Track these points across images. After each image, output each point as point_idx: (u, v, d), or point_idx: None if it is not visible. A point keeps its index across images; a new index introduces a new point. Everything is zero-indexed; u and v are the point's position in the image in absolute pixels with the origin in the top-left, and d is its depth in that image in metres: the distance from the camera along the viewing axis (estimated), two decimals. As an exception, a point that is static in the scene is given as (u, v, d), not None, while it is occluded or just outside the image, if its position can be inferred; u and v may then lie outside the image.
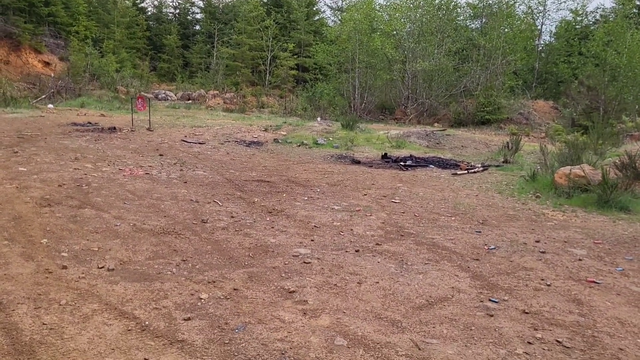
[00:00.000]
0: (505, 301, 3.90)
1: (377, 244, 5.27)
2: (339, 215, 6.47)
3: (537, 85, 29.03)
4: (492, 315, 3.62)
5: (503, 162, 12.06)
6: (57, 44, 30.66)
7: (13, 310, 3.32)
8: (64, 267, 4.12)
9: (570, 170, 8.34)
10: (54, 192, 6.56)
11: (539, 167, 9.89)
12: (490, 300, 3.91)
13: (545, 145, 10.98)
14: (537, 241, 5.61)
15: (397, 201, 7.51)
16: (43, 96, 23.09)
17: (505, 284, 4.28)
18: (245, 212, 6.40)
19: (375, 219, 6.38)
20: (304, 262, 4.58)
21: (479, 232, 5.94)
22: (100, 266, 4.20)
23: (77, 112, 19.52)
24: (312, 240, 5.30)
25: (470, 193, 8.47)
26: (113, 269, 4.16)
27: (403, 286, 4.11)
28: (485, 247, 5.34)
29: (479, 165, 11.55)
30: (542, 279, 4.41)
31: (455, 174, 10.36)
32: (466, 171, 10.63)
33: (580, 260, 5.00)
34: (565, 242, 5.66)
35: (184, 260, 4.48)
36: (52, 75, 26.93)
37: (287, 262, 4.57)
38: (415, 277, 4.34)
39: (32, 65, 27.92)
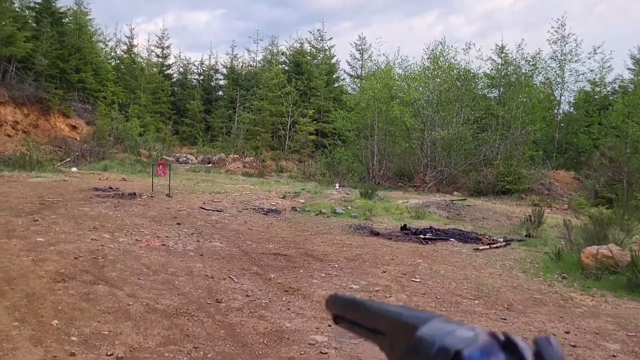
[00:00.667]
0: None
1: (398, 332, 5.03)
2: (357, 295, 6.25)
3: (557, 155, 28.91)
4: None
5: (526, 236, 11.78)
6: (85, 108, 31.65)
7: (14, 406, 3.15)
8: (72, 354, 3.96)
9: (598, 250, 8.06)
10: (70, 266, 6.48)
11: (563, 243, 9.60)
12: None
13: (569, 220, 10.72)
14: (567, 332, 5.31)
15: (417, 280, 7.27)
16: (68, 159, 23.59)
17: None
18: (260, 290, 6.23)
19: (395, 300, 6.15)
20: (321, 352, 4.36)
21: (505, 319, 5.67)
22: (109, 353, 4.03)
23: (99, 176, 19.81)
24: (329, 326, 5.08)
25: (493, 272, 8.19)
26: (122, 357, 3.99)
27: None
28: (512, 337, 5.06)
29: (501, 239, 11.29)
30: (576, 379, 4.13)
31: (477, 249, 10.10)
32: (488, 246, 10.37)
33: (614, 357, 4.70)
34: (596, 333, 5.35)
35: (196, 348, 4.29)
36: (78, 138, 27.62)
37: (302, 352, 4.36)
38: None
39: (59, 129, 28.73)
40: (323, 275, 7.24)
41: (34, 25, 31.19)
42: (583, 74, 28.96)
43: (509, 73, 28.71)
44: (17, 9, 31.34)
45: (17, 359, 3.81)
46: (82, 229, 9.02)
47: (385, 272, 7.72)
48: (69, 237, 8.19)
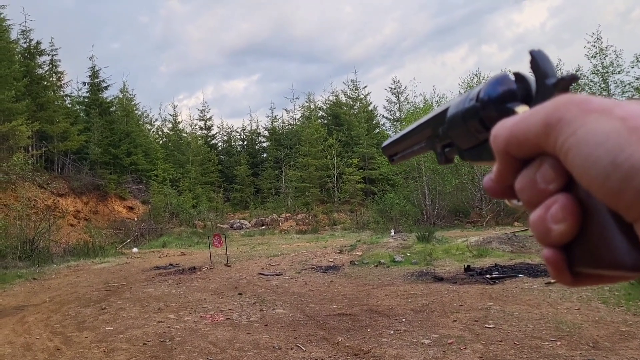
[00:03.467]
0: None
1: (479, 388, 4.76)
2: (431, 351, 6.00)
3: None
4: None
5: (599, 261, 11.13)
6: (139, 188, 32.89)
7: None
8: None
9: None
10: (139, 353, 6.53)
11: (641, 266, 9.01)
12: None
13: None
14: (665, 368, 4.90)
15: (491, 326, 6.93)
16: (128, 240, 24.35)
17: None
18: (330, 356, 6.07)
19: (472, 352, 5.86)
20: (402, 421, 4.15)
21: None
22: None
23: (159, 254, 20.28)
24: (406, 389, 4.87)
25: (571, 306, 7.74)
26: None
27: None
28: (605, 380, 4.70)
29: (573, 268, 10.71)
30: None
31: (549, 282, 9.59)
32: (560, 278, 9.84)
33: None
34: (699, 365, 4.91)
35: None
36: (136, 218, 28.59)
37: (382, 423, 4.16)
38: None
39: (117, 212, 29.85)
40: (392, 332, 7.01)
41: (85, 117, 33.07)
42: (629, 84, 27.99)
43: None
44: (68, 105, 33.39)
45: None
46: (148, 311, 9.15)
47: (455, 320, 7.42)
48: (136, 322, 8.31)
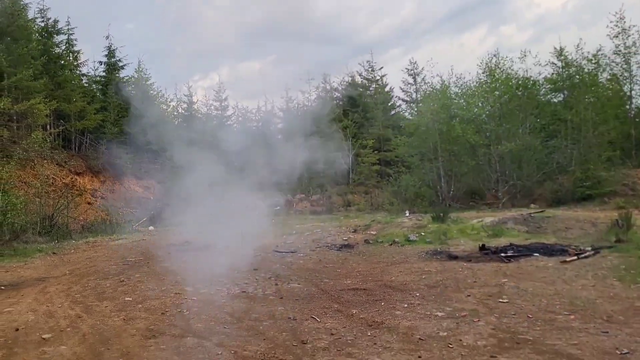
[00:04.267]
0: None
1: (492, 357, 4.81)
2: (444, 323, 6.06)
3: (637, 153, 27.22)
4: None
5: (616, 241, 11.07)
6: (155, 168, 33.12)
7: None
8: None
9: (699, 247, 7.45)
10: (158, 322, 6.68)
11: (659, 245, 8.96)
12: None
13: (661, 219, 10.01)
14: (680, 340, 4.90)
15: (505, 300, 6.97)
16: (144, 219, 24.63)
17: (654, 401, 3.69)
18: (344, 327, 6.16)
19: (485, 324, 5.90)
20: (414, 386, 4.22)
21: (606, 332, 5.30)
22: (204, 405, 4.08)
23: (175, 231, 20.50)
24: (419, 357, 4.94)
25: (586, 283, 7.73)
26: (217, 408, 4.02)
27: (531, 411, 3.64)
28: (617, 351, 4.72)
29: (589, 248, 10.66)
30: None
31: (565, 261, 9.58)
32: (576, 257, 9.82)
33: None
34: None
35: (288, 392, 4.27)
36: (152, 197, 28.86)
37: (396, 387, 4.24)
38: (544, 398, 3.85)
39: (133, 191, 30.16)
40: (405, 305, 7.08)
41: (101, 97, 33.28)
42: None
43: (571, 75, 27.58)
44: (85, 84, 33.62)
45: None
46: (165, 284, 9.32)
47: (469, 295, 7.46)
48: (154, 294, 8.47)
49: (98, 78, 35.41)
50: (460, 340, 5.39)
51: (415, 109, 38.76)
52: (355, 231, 16.59)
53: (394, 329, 5.94)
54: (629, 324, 5.57)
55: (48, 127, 27.59)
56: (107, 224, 21.10)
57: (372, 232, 15.88)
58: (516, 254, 10.74)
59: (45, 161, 23.39)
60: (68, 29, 31.96)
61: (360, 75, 45.88)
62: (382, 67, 52.28)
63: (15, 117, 24.19)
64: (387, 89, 44.72)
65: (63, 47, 32.01)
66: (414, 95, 44.06)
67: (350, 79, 46.10)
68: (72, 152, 29.44)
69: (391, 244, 13.58)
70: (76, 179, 26.47)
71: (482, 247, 11.77)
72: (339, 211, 29.61)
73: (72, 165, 27.25)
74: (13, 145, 22.24)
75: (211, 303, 7.72)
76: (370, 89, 44.82)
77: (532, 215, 15.81)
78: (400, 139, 31.67)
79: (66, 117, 29.40)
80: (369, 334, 5.83)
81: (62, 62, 31.21)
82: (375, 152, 38.11)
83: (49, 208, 19.38)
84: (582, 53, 26.53)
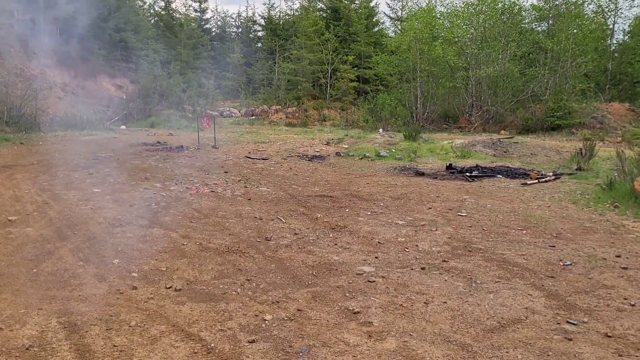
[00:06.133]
0: (585, 323, 3.64)
1: (444, 261, 5.09)
2: (403, 230, 6.33)
3: (611, 87, 27.54)
4: (570, 339, 3.38)
5: (577, 169, 11.46)
6: (129, 67, 32.15)
7: (86, 331, 3.41)
8: (134, 288, 4.21)
9: (652, 177, 7.79)
10: (126, 212, 6.79)
11: (616, 175, 9.32)
12: (568, 322, 3.66)
13: (622, 151, 10.32)
14: (618, 256, 5.24)
15: (463, 214, 7.26)
16: (116, 117, 24.25)
17: (584, 304, 4.01)
18: (308, 228, 6.38)
19: (442, 233, 6.19)
20: (368, 281, 4.48)
21: (553, 246, 5.63)
22: (168, 286, 4.27)
23: (147, 132, 20.34)
24: (376, 258, 5.19)
25: (542, 204, 8.08)
26: (180, 289, 4.21)
27: (473, 307, 3.93)
28: (561, 263, 5.04)
29: (551, 173, 11.04)
30: (625, 298, 4.10)
31: (525, 183, 9.93)
32: (537, 180, 10.17)
33: (668, 277, 4.63)
34: (649, 256, 5.26)
35: (248, 280, 4.49)
36: (124, 97, 28.24)
37: (351, 281, 4.49)
38: (486, 296, 4.14)
39: (106, 89, 29.39)
40: (369, 213, 7.32)
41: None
42: (639, -1, 27.10)
43: (558, 4, 27.21)
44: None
45: (84, 292, 4.09)
46: (135, 179, 9.38)
47: (431, 208, 7.74)
48: (123, 188, 8.55)
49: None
50: (417, 245, 5.66)
51: (399, 27, 37.96)
52: (327, 144, 16.71)
53: (355, 233, 6.19)
54: (575, 240, 5.90)
55: (16, 13, 26.21)
56: (77, 119, 20.70)
57: (344, 146, 16.03)
58: (480, 175, 11.07)
59: (12, 49, 22.43)
60: None
61: (346, -14, 44.25)
62: (369, -20, 50.39)
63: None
64: (372, 3, 43.40)
65: None
66: (399, 13, 42.98)
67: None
68: (42, 42, 28.20)
69: (362, 158, 13.78)
70: (46, 71, 25.58)
71: (449, 167, 12.06)
72: (314, 125, 29.58)
73: (41, 56, 26.21)
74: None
75: (180, 200, 7.85)
76: (356, 2, 43.42)
77: (501, 140, 16.13)
78: (381, 56, 31.25)
79: (35, 3, 27.91)
80: (331, 235, 6.06)
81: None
82: (355, 68, 37.59)
83: (17, 99, 18.85)
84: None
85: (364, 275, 4.65)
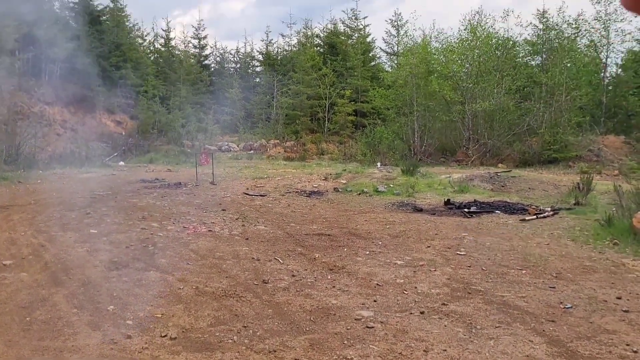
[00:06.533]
0: (588, 372, 3.58)
1: (444, 304, 5.03)
2: (402, 271, 6.28)
3: (606, 120, 27.80)
4: (574, 390, 3.31)
5: (575, 204, 11.46)
6: (128, 103, 32.43)
7: (78, 385, 3.34)
8: (129, 337, 4.15)
9: (651, 214, 7.79)
10: (122, 254, 6.74)
11: (614, 209, 9.31)
12: (570, 370, 3.59)
13: (620, 185, 10.34)
14: (619, 298, 5.19)
15: (462, 253, 7.22)
16: (115, 154, 24.34)
17: (586, 350, 3.94)
18: (306, 269, 6.32)
19: (441, 274, 6.14)
20: (367, 327, 4.41)
21: (553, 287, 5.58)
22: (163, 335, 4.20)
23: (145, 169, 20.38)
24: (374, 301, 5.13)
25: (541, 241, 8.04)
26: (175, 338, 4.15)
27: (473, 354, 3.86)
28: (561, 305, 4.98)
29: (549, 209, 11.02)
30: (628, 344, 4.04)
31: (524, 219, 9.91)
32: (535, 216, 10.15)
33: (670, 320, 4.57)
34: (651, 298, 5.21)
35: (245, 327, 4.42)
36: (123, 133, 28.42)
37: (349, 327, 4.42)
38: (486, 343, 4.08)
39: (105, 125, 29.60)
40: (367, 252, 7.28)
41: (74, 25, 31.99)
42: (630, 33, 27.57)
43: (551, 38, 27.66)
44: (57, 10, 32.24)
45: (78, 342, 4.02)
46: (132, 219, 9.34)
47: (429, 246, 7.70)
48: (120, 228, 8.51)
49: (71, 4, 33.94)
50: (416, 287, 5.61)
51: (395, 62, 38.49)
52: (326, 179, 16.73)
53: (353, 274, 6.13)
54: (575, 281, 5.85)
55: (17, 52, 26.58)
56: (76, 156, 20.76)
57: (342, 181, 16.05)
58: (479, 210, 11.05)
59: (12, 87, 22.66)
60: (39, -50, 30.30)
61: (343, 23, 45.06)
62: (366, 17, 51.52)
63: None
64: (369, 39, 44.12)
65: (33, -30, 30.43)
66: (395, 48, 43.62)
67: (332, 26, 45.28)
68: (42, 80, 28.52)
69: (360, 194, 13.77)
70: (45, 109, 25.80)
71: (447, 202, 12.05)
72: (312, 159, 29.68)
73: (41, 94, 26.48)
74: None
75: (177, 240, 7.81)
76: (353, 38, 44.13)
77: (499, 174, 16.17)
78: (377, 91, 31.60)
79: (36, 43, 28.30)
80: (329, 277, 6.01)
81: (32, -15, 29.75)
82: (352, 102, 37.94)
83: (16, 136, 18.94)
84: (564, 17, 26.57)
85: (362, 320, 4.59)
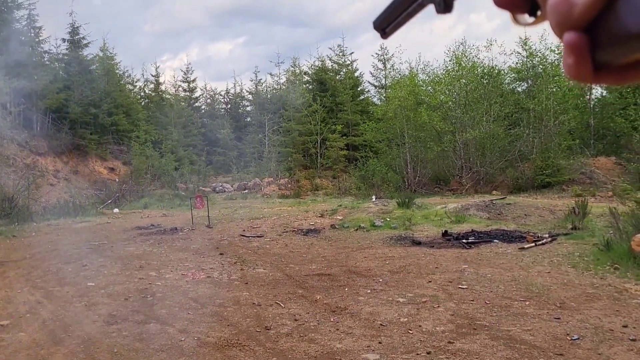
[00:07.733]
0: (601, 407, 3.52)
1: (450, 342, 4.97)
2: (405, 309, 6.22)
3: (595, 142, 28.10)
4: None
5: (572, 229, 11.47)
6: (120, 149, 32.56)
7: None
8: (131, 396, 4.06)
9: (648, 236, 7.80)
10: (121, 307, 6.65)
11: (612, 233, 9.32)
12: (583, 407, 3.54)
13: (615, 208, 10.37)
14: (625, 326, 5.15)
15: (464, 286, 7.17)
16: (109, 201, 24.26)
17: (598, 384, 3.89)
18: (308, 312, 6.25)
19: (444, 310, 6.08)
20: (374, 371, 4.35)
21: (558, 318, 5.54)
22: (166, 391, 4.12)
23: (140, 215, 20.29)
24: (379, 343, 5.07)
25: (541, 270, 8.01)
26: (179, 394, 4.06)
27: (483, 395, 3.80)
28: (568, 337, 4.94)
29: (547, 235, 11.02)
30: (639, 375, 3.99)
31: (523, 247, 9.89)
32: (534, 244, 10.14)
33: (678, 347, 4.53)
34: (657, 324, 5.18)
35: (250, 378, 4.34)
36: (117, 179, 28.40)
37: (356, 372, 4.35)
38: (496, 382, 4.02)
39: (98, 172, 29.61)
40: (369, 291, 7.22)
41: (64, 75, 32.33)
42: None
43: (535, 64, 28.16)
44: (47, 62, 32.61)
45: (81, 405, 3.93)
46: (129, 269, 9.25)
47: (430, 281, 7.65)
48: (118, 279, 8.42)
49: (61, 56, 34.35)
50: (420, 326, 5.55)
51: (384, 95, 38.98)
52: (322, 216, 16.70)
53: (356, 315, 6.07)
54: (580, 310, 5.82)
55: (8, 105, 26.75)
56: (70, 206, 20.67)
57: (338, 217, 16.02)
58: (477, 240, 11.03)
59: (4, 141, 22.71)
60: (29, 3, 30.85)
61: (330, 59, 45.75)
62: (352, 52, 52.36)
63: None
64: (357, 74, 44.74)
65: (24, 23, 30.93)
66: (383, 81, 44.23)
67: (320, 63, 45.94)
68: (34, 131, 28.62)
69: (357, 229, 13.74)
70: (38, 160, 25.81)
71: (445, 233, 12.04)
72: (306, 195, 29.68)
73: (33, 145, 26.53)
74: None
75: (175, 288, 7.72)
76: (341, 73, 44.75)
77: (494, 202, 16.20)
78: (368, 124, 31.89)
79: (27, 96, 28.52)
80: (332, 319, 5.94)
81: (23, 38, 30.17)
82: (344, 136, 38.22)
83: (9, 189, 18.88)
84: (546, 44, 27.04)
85: (368, 364, 4.52)
